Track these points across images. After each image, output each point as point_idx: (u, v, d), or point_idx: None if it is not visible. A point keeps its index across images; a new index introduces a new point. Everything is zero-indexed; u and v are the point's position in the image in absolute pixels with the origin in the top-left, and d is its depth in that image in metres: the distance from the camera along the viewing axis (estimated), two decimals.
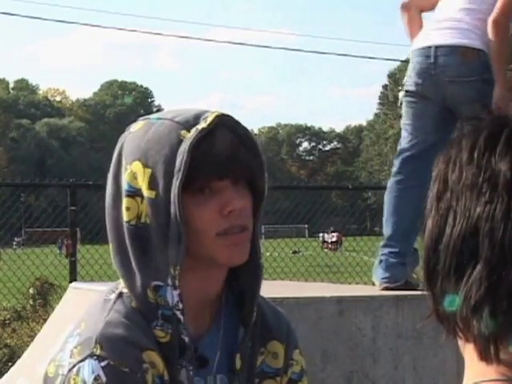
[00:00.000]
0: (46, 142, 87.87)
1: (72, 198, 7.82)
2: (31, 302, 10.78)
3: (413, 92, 4.71)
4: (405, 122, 4.67)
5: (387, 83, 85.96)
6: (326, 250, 27.48)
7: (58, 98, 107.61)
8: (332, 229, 29.99)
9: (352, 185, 21.73)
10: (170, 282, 1.48)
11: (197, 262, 1.51)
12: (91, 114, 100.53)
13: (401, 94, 4.86)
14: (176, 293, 1.49)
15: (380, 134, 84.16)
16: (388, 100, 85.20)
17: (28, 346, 6.67)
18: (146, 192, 1.49)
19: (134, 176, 1.51)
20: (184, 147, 1.47)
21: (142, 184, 1.50)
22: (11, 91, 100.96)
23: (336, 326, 4.67)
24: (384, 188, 5.15)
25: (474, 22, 4.38)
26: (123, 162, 1.54)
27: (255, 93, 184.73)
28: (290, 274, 11.73)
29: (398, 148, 4.72)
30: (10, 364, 7.85)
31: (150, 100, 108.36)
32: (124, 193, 1.52)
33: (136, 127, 1.56)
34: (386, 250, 4.86)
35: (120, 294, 1.55)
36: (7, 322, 10.20)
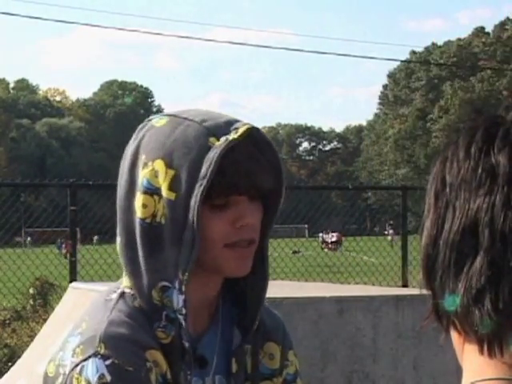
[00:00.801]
0: (46, 142, 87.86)
1: (72, 197, 7.81)
2: (31, 301, 10.78)
3: None
4: None
5: (387, 83, 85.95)
6: (325, 249, 27.47)
7: (57, 98, 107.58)
8: (332, 229, 29.99)
9: (352, 185, 21.75)
10: (177, 285, 1.48)
11: (200, 268, 1.51)
12: (91, 114, 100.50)
13: None
14: (182, 298, 1.48)
15: (380, 134, 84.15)
16: (388, 100, 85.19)
17: (28, 346, 6.68)
18: (165, 192, 1.48)
19: (155, 174, 1.49)
20: (213, 155, 1.45)
21: (163, 184, 1.48)
22: (11, 91, 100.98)
23: (336, 326, 4.67)
24: (384, 188, 5.16)
25: None
26: (142, 156, 1.51)
27: (255, 93, 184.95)
28: (290, 274, 11.73)
29: None
30: (10, 364, 7.85)
31: (150, 100, 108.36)
32: (142, 189, 1.50)
33: (160, 122, 1.54)
34: None
35: (122, 294, 1.55)
36: (7, 322, 10.20)
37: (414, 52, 79.94)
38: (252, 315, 1.62)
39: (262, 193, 1.53)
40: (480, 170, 0.94)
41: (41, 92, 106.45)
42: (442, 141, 69.67)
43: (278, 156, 1.54)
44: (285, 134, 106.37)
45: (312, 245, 23.11)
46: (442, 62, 75.27)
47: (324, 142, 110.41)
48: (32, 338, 7.57)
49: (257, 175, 1.50)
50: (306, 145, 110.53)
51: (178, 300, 1.48)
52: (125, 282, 1.56)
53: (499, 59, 73.67)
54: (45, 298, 10.89)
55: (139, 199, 1.50)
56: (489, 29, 78.45)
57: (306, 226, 31.78)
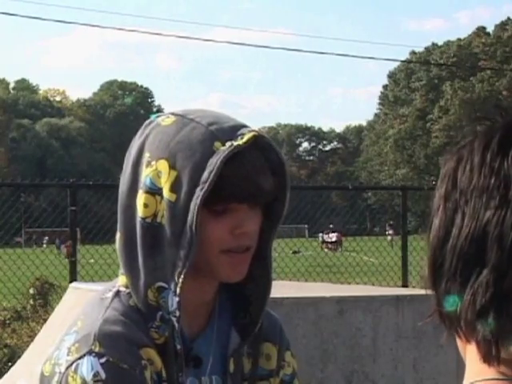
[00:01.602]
0: (46, 142, 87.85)
1: (72, 197, 7.81)
2: (31, 301, 10.78)
3: None
4: None
5: (387, 83, 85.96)
6: (325, 250, 27.47)
7: (57, 98, 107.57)
8: (332, 229, 29.98)
9: (352, 185, 21.72)
10: (172, 287, 1.48)
11: (197, 271, 1.51)
12: (91, 114, 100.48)
13: None
14: (176, 300, 1.48)
15: (380, 134, 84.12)
16: (388, 100, 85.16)
17: (28, 346, 6.68)
18: (166, 193, 1.47)
19: (158, 174, 1.48)
20: (216, 160, 1.44)
21: (165, 184, 1.48)
22: (11, 91, 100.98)
23: (336, 326, 4.67)
24: (384, 188, 5.16)
25: None
26: (146, 154, 1.51)
27: (255, 93, 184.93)
28: (290, 274, 11.73)
29: None
30: (10, 364, 7.85)
31: (150, 100, 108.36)
32: (144, 188, 1.50)
33: (167, 121, 1.53)
34: None
35: (117, 293, 1.55)
36: (7, 322, 10.20)
37: (414, 52, 79.93)
38: (254, 319, 1.62)
39: (264, 201, 1.52)
40: (493, 181, 0.92)
41: (41, 92, 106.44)
42: (442, 141, 69.72)
43: (284, 161, 1.53)
44: (285, 134, 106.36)
45: (312, 245, 23.12)
46: (442, 62, 75.26)
47: (324, 142, 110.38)
48: (32, 338, 7.56)
49: (259, 185, 1.48)
50: (305, 145, 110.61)
51: (172, 301, 1.48)
52: (120, 281, 1.56)
53: (499, 59, 73.67)
54: (45, 298, 10.90)
55: (141, 198, 1.50)
56: (489, 29, 78.52)
57: (306, 226, 31.77)
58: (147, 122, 1.56)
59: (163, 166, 1.48)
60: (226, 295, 1.64)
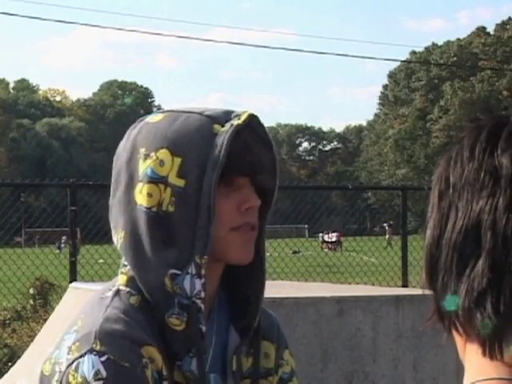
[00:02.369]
0: (46, 142, 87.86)
1: (72, 197, 7.81)
2: (31, 301, 10.78)
3: None
4: None
5: (387, 83, 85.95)
6: (325, 250, 27.49)
7: (57, 98, 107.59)
8: (332, 229, 30.00)
9: (352, 185, 21.76)
10: (193, 271, 1.48)
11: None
12: (91, 114, 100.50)
13: None
14: (200, 282, 1.49)
15: (380, 134, 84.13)
16: (388, 100, 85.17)
17: (28, 346, 6.68)
18: (173, 180, 1.49)
19: (160, 163, 1.50)
20: (222, 140, 1.49)
21: (170, 172, 1.50)
22: (11, 91, 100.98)
23: (336, 326, 4.67)
24: (384, 188, 5.17)
25: None
26: (141, 150, 1.52)
27: (255, 93, 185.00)
28: (290, 274, 11.74)
29: None
30: (10, 364, 7.85)
31: (149, 100, 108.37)
32: (145, 179, 1.51)
33: (155, 118, 1.56)
34: None
35: (117, 291, 1.55)
36: (7, 322, 10.20)
37: (414, 52, 79.94)
38: (251, 315, 1.62)
39: (261, 177, 1.56)
40: (483, 172, 0.94)
41: (41, 92, 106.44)
42: (442, 141, 69.74)
43: (273, 144, 1.59)
44: (285, 134, 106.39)
45: (312, 245, 23.15)
46: (442, 62, 75.26)
47: (324, 142, 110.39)
48: (32, 338, 7.57)
49: (260, 156, 1.55)
50: (305, 145, 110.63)
51: (193, 285, 1.49)
52: (120, 280, 1.57)
53: (499, 59, 73.66)
54: (45, 298, 10.90)
55: (144, 189, 1.51)
56: (489, 29, 78.50)
57: (306, 226, 31.79)
58: (132, 126, 1.59)
59: (165, 154, 1.50)
60: (225, 297, 1.64)
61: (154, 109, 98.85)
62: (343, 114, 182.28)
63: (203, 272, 1.49)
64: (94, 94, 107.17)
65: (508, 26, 76.07)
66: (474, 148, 0.96)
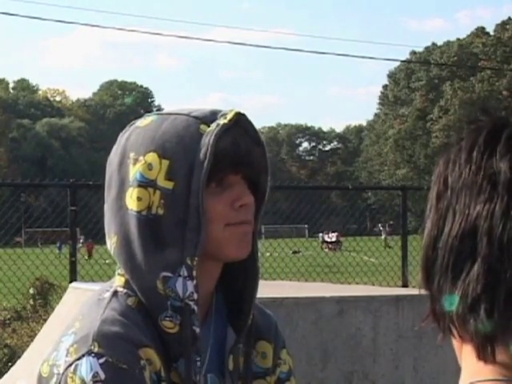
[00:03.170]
0: (46, 142, 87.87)
1: (72, 197, 7.81)
2: (31, 301, 10.79)
3: None
4: None
5: (387, 83, 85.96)
6: (325, 250, 27.49)
7: (57, 98, 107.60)
8: (332, 229, 30.01)
9: (352, 185, 21.75)
10: (185, 272, 1.48)
11: (202, 255, 1.52)
12: (91, 114, 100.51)
13: None
14: (192, 283, 1.49)
15: (380, 134, 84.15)
16: (388, 100, 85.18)
17: (28, 346, 6.68)
18: (162, 183, 1.49)
19: (148, 167, 1.50)
20: (208, 139, 1.49)
21: (159, 175, 1.50)
22: (11, 91, 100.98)
23: (336, 326, 4.67)
24: (384, 188, 5.16)
25: None
26: (130, 154, 1.53)
27: (255, 93, 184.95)
28: (290, 274, 11.74)
29: None
30: (10, 364, 7.85)
31: (149, 100, 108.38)
32: (135, 183, 1.51)
33: (144, 122, 1.56)
34: None
35: (115, 293, 1.55)
36: (7, 322, 10.21)
37: (414, 52, 79.97)
38: (245, 313, 1.62)
39: (253, 174, 1.56)
40: (481, 176, 0.94)
41: (41, 92, 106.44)
42: (442, 141, 69.71)
43: (263, 141, 1.59)
44: (285, 134, 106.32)
45: (312, 245, 23.13)
46: (442, 62, 75.27)
47: (324, 142, 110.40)
48: (32, 338, 7.57)
49: (250, 151, 1.54)
50: (305, 145, 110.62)
51: (185, 287, 1.48)
52: (117, 281, 1.57)
53: (499, 59, 73.67)
54: (45, 298, 10.90)
55: (133, 193, 1.51)
56: (489, 29, 78.51)
57: (306, 226, 31.79)
58: (123, 131, 1.59)
59: (152, 157, 1.50)
60: (222, 296, 1.64)
61: (154, 109, 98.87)
62: (343, 114, 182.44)
63: (195, 273, 1.49)
64: (94, 93, 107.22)
65: (508, 26, 76.05)
66: (472, 151, 0.96)
